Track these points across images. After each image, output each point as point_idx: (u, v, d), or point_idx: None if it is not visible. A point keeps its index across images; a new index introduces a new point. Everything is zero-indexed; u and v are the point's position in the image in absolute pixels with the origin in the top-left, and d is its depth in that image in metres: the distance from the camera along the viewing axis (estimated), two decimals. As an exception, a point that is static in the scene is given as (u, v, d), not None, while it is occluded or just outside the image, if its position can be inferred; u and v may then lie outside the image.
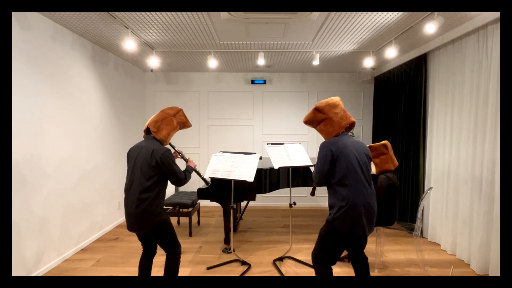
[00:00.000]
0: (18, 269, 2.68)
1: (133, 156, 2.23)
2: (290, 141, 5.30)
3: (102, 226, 4.19)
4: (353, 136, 5.73)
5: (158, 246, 2.36)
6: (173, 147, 2.54)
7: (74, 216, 3.53)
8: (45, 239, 3.04)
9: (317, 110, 2.21)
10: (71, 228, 3.49)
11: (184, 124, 2.43)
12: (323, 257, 2.13)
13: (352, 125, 2.24)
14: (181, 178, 2.25)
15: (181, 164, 2.69)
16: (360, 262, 2.30)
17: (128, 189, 2.21)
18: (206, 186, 3.52)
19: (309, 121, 2.27)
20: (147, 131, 2.31)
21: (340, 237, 2.05)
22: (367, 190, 2.06)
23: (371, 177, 2.18)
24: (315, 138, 5.86)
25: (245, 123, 5.86)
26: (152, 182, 2.15)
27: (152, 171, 2.14)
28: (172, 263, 2.27)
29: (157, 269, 2.89)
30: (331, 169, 2.07)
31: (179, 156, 2.53)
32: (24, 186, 2.76)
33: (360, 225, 2.01)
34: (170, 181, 2.26)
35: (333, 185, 2.08)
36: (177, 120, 2.36)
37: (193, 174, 5.75)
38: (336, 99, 2.23)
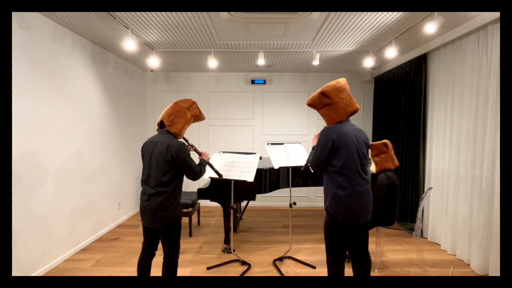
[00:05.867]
0: (18, 270, 2.68)
1: (148, 150, 2.22)
2: (290, 141, 5.30)
3: (102, 226, 4.19)
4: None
5: (158, 248, 2.35)
6: (186, 141, 2.49)
7: (74, 216, 3.53)
8: (46, 239, 3.04)
9: (323, 94, 2.13)
10: (71, 227, 3.49)
11: (198, 117, 2.40)
12: (330, 252, 2.15)
13: (356, 111, 2.19)
14: (196, 172, 2.24)
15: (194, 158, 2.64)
16: (361, 264, 2.25)
17: (145, 183, 2.20)
18: (206, 186, 3.52)
19: (313, 104, 2.21)
20: (161, 124, 2.29)
21: (337, 225, 2.07)
22: (362, 179, 2.07)
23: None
24: (315, 138, 5.85)
25: (245, 123, 5.86)
26: (169, 176, 2.14)
27: (168, 166, 2.14)
28: (171, 266, 2.25)
29: (156, 269, 2.89)
30: (330, 156, 2.07)
31: (192, 149, 2.50)
32: (24, 186, 2.76)
33: (354, 212, 2.03)
34: (185, 175, 2.24)
35: (331, 172, 2.08)
36: (191, 113, 2.33)
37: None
38: (342, 82, 2.14)
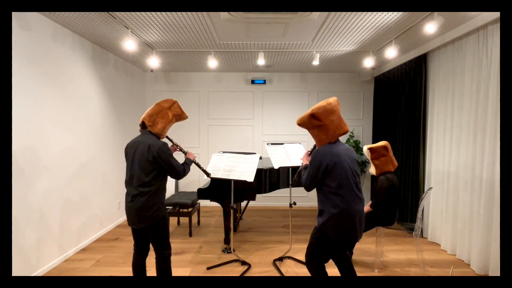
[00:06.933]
0: (18, 270, 2.68)
1: (130, 151, 2.23)
2: (290, 141, 5.30)
3: (102, 226, 4.19)
4: (353, 136, 5.73)
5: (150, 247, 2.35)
6: (171, 140, 2.50)
7: (74, 216, 3.53)
8: (46, 239, 3.04)
9: (313, 116, 2.10)
10: (71, 228, 3.49)
11: (180, 116, 2.39)
12: (315, 260, 2.15)
13: (345, 133, 2.17)
14: (179, 171, 2.24)
15: (180, 158, 2.66)
16: (343, 261, 2.28)
17: (128, 184, 2.21)
18: (206, 186, 3.52)
19: (303, 125, 2.19)
20: (143, 125, 2.29)
21: (331, 242, 2.06)
22: (358, 198, 2.05)
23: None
24: (315, 138, 5.85)
25: (245, 123, 5.86)
26: (152, 177, 2.15)
27: (150, 166, 2.14)
28: (164, 264, 2.25)
29: (153, 269, 2.89)
30: (324, 177, 2.04)
31: (177, 149, 2.50)
32: (24, 186, 2.76)
33: (352, 232, 2.02)
34: (169, 174, 2.24)
35: (326, 192, 2.05)
36: (172, 112, 2.33)
37: (196, 171, 5.75)
38: (333, 103, 2.11)
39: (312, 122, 2.12)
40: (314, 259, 2.15)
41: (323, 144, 2.12)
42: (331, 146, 2.08)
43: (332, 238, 2.04)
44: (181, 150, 2.50)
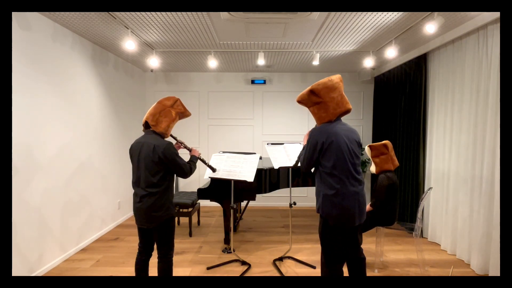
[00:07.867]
0: (18, 270, 2.68)
1: (135, 152, 2.20)
2: (290, 141, 5.30)
3: (102, 226, 4.19)
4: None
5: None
6: (175, 138, 2.47)
7: (74, 216, 3.53)
8: (45, 239, 3.04)
9: (312, 92, 2.01)
10: (71, 228, 3.49)
11: (183, 113, 2.35)
12: (329, 258, 2.09)
13: (347, 111, 2.07)
14: (186, 170, 2.22)
15: (185, 155, 2.64)
16: (355, 263, 2.22)
17: (136, 185, 2.19)
18: (206, 186, 3.52)
19: (303, 102, 2.11)
20: (146, 125, 2.25)
21: (332, 231, 2.01)
22: (355, 179, 1.99)
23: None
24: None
25: (245, 123, 5.86)
26: (159, 177, 2.13)
27: (156, 167, 2.12)
28: (166, 265, 2.25)
29: (154, 269, 2.88)
30: (319, 157, 1.99)
31: (182, 146, 2.48)
32: (23, 184, 2.76)
33: (348, 215, 1.96)
34: (175, 174, 2.23)
35: (322, 173, 2.00)
36: (175, 110, 2.28)
37: (195, 171, 5.75)
38: (335, 80, 2.01)
39: (312, 99, 2.04)
40: (327, 258, 2.09)
41: (322, 123, 2.05)
42: (329, 125, 2.01)
43: (330, 225, 1.99)
44: (185, 147, 2.47)
